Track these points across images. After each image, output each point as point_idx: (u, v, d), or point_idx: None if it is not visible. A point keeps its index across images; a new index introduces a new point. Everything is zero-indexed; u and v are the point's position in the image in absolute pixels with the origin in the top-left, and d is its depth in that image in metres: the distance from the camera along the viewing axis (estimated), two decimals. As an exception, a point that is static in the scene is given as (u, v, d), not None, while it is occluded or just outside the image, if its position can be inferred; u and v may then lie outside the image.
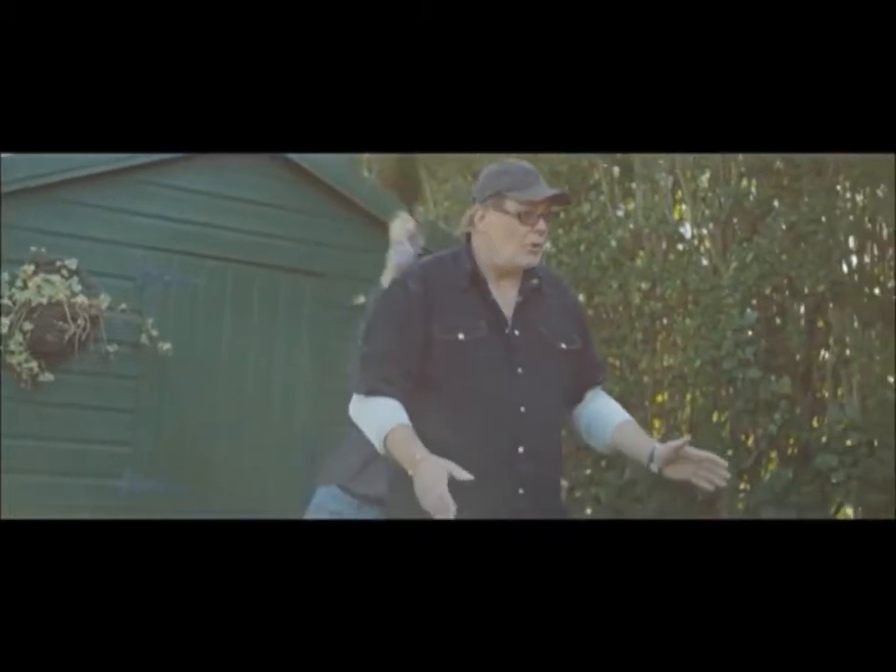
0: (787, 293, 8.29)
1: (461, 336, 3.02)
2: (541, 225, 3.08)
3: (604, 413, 3.23)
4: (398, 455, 2.85)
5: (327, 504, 4.41)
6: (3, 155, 5.94)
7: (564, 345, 3.15)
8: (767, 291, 8.18)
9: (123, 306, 6.73)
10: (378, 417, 2.93)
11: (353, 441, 4.27)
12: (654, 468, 3.01)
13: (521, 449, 2.97)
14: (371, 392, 2.97)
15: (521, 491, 2.96)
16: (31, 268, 6.42)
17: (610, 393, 3.34)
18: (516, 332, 3.08)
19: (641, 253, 9.19)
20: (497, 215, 3.08)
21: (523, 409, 3.00)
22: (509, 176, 3.09)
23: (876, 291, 7.89)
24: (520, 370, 3.04)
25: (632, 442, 3.15)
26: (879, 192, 7.73)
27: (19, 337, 6.36)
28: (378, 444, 2.91)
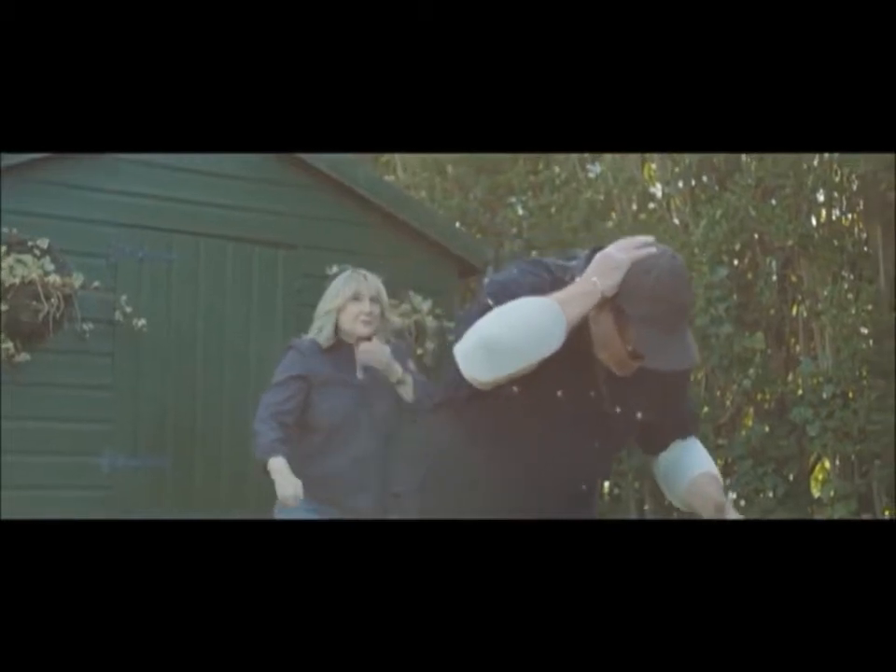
0: (757, 248, 8.33)
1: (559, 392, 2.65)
2: None
3: (683, 464, 2.86)
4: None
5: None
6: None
7: (640, 414, 2.79)
8: (737, 247, 8.21)
9: (97, 284, 6.74)
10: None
11: None
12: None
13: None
14: None
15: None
16: (2, 248, 6.42)
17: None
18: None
19: (613, 214, 9.21)
20: (613, 328, 2.56)
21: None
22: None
23: (846, 244, 7.92)
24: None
25: (700, 502, 2.75)
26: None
27: (-7, 319, 6.37)
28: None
